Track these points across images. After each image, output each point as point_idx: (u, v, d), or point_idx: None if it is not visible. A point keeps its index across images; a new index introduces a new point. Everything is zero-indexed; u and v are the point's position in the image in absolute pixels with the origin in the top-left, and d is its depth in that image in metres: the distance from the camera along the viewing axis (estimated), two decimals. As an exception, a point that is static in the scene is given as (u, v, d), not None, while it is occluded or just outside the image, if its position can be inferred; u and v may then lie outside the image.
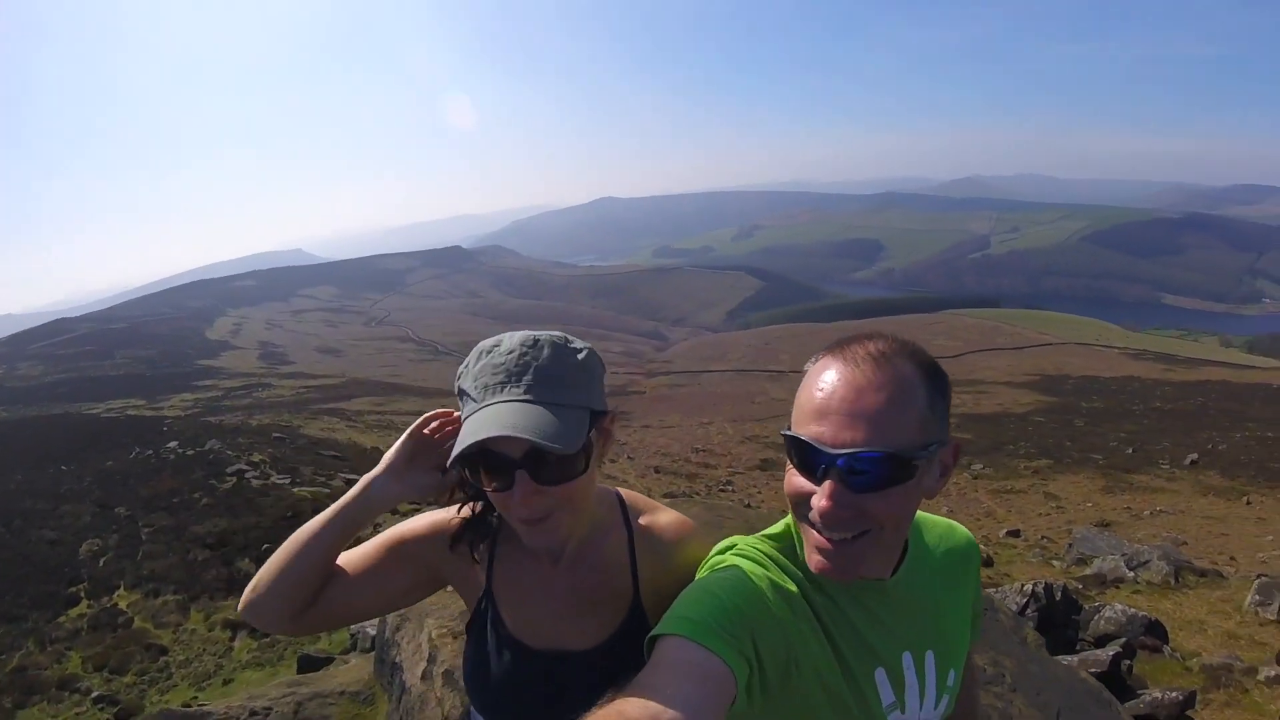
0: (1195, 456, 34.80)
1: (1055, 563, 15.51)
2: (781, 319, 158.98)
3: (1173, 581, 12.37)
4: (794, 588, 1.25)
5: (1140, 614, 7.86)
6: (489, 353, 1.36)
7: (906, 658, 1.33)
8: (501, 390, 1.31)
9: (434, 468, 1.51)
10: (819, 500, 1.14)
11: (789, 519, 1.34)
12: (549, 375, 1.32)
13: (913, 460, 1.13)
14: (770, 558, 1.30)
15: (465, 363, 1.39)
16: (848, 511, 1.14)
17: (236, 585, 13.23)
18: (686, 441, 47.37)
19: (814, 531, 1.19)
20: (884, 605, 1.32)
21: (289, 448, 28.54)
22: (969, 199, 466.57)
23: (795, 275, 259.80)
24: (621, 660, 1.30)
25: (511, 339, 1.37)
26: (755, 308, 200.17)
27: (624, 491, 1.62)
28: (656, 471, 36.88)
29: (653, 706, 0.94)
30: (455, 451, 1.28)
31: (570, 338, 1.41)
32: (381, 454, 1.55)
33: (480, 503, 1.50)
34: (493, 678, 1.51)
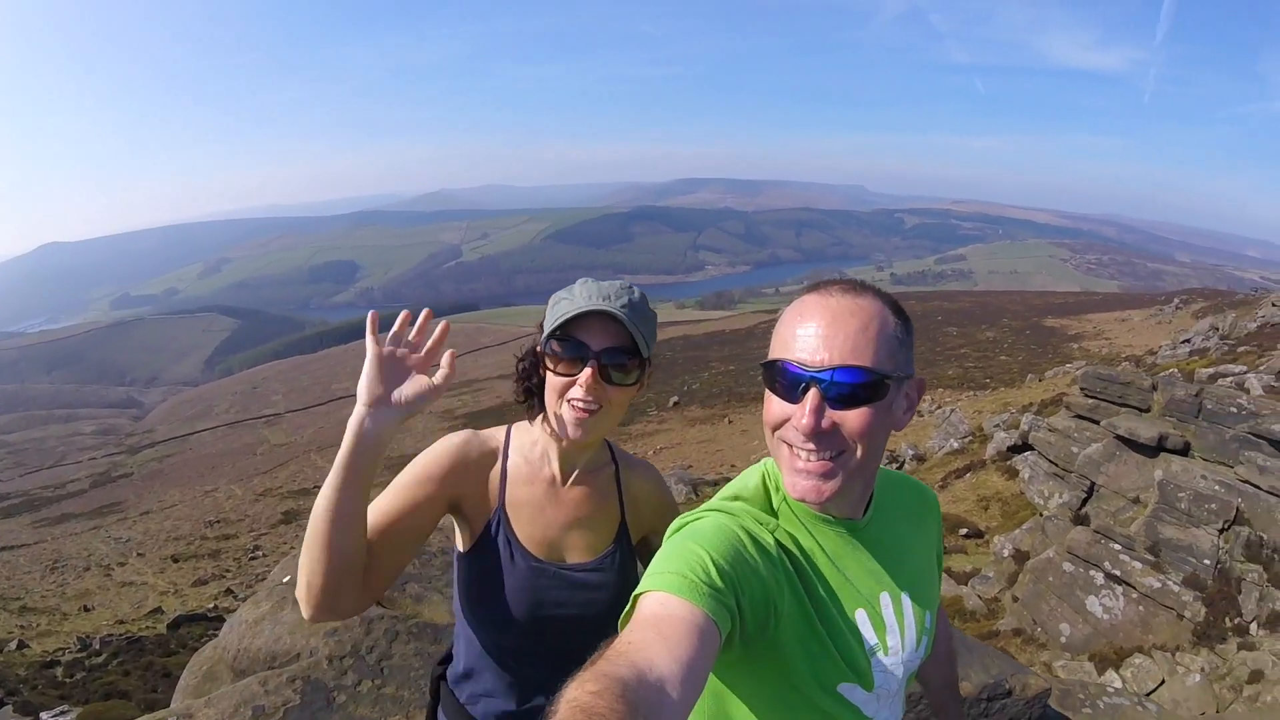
0: (676, 398, 42.21)
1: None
2: (266, 357, 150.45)
3: (694, 496, 18.08)
4: (770, 538, 1.29)
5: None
6: (595, 283, 1.67)
7: (884, 599, 1.36)
8: (604, 303, 1.61)
9: (415, 373, 1.61)
10: (800, 417, 1.20)
11: (760, 472, 1.43)
12: (640, 309, 1.66)
13: (885, 379, 1.21)
14: (745, 511, 1.34)
15: (568, 288, 1.69)
16: (828, 425, 1.20)
17: None
18: (196, 517, 44.08)
19: (793, 455, 1.25)
20: (858, 548, 1.37)
21: None
22: (439, 211, 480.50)
23: (272, 308, 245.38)
24: (616, 572, 1.77)
25: (612, 282, 1.69)
26: (234, 349, 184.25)
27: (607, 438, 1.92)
28: (175, 560, 33.38)
29: (641, 664, 0.93)
30: (557, 321, 1.60)
31: None
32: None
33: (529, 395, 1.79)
34: (504, 588, 1.73)
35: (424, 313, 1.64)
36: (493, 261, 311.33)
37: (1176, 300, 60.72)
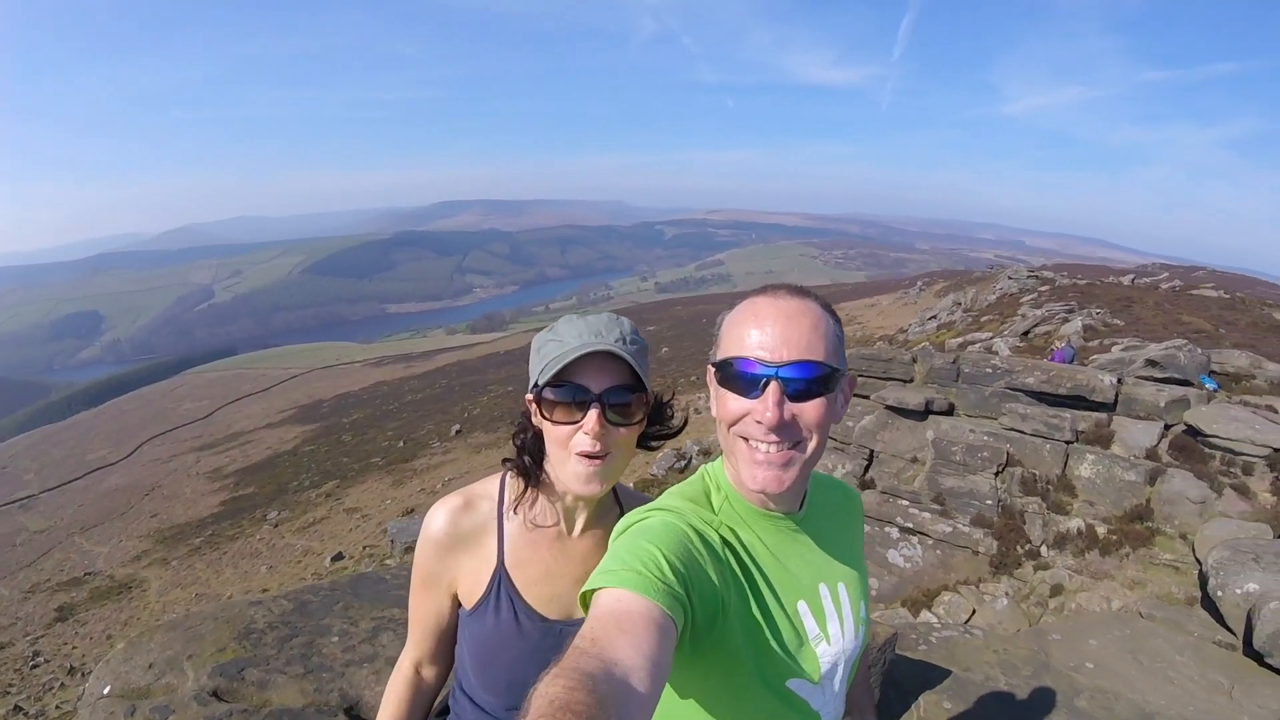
0: (458, 426, 41.30)
1: (389, 561, 17.38)
2: (10, 431, 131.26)
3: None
4: (715, 534, 1.33)
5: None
6: (580, 319, 1.58)
7: (823, 589, 1.42)
8: (596, 339, 1.51)
9: None
10: (764, 411, 1.26)
11: (700, 474, 1.49)
12: (632, 340, 1.56)
13: (835, 372, 1.30)
14: (690, 509, 1.37)
15: (551, 328, 1.60)
16: (789, 417, 1.27)
17: None
18: (-37, 629, 39.24)
19: (752, 448, 1.31)
20: (797, 541, 1.43)
21: None
22: (187, 249, 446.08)
23: (11, 373, 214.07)
24: None
25: (599, 315, 1.59)
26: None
27: None
28: (-48, 694, 29.71)
29: (607, 659, 0.95)
30: (553, 366, 1.50)
31: None
32: None
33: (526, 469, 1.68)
34: (509, 652, 1.67)
35: None
36: (248, 300, 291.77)
37: (920, 283, 65.37)
